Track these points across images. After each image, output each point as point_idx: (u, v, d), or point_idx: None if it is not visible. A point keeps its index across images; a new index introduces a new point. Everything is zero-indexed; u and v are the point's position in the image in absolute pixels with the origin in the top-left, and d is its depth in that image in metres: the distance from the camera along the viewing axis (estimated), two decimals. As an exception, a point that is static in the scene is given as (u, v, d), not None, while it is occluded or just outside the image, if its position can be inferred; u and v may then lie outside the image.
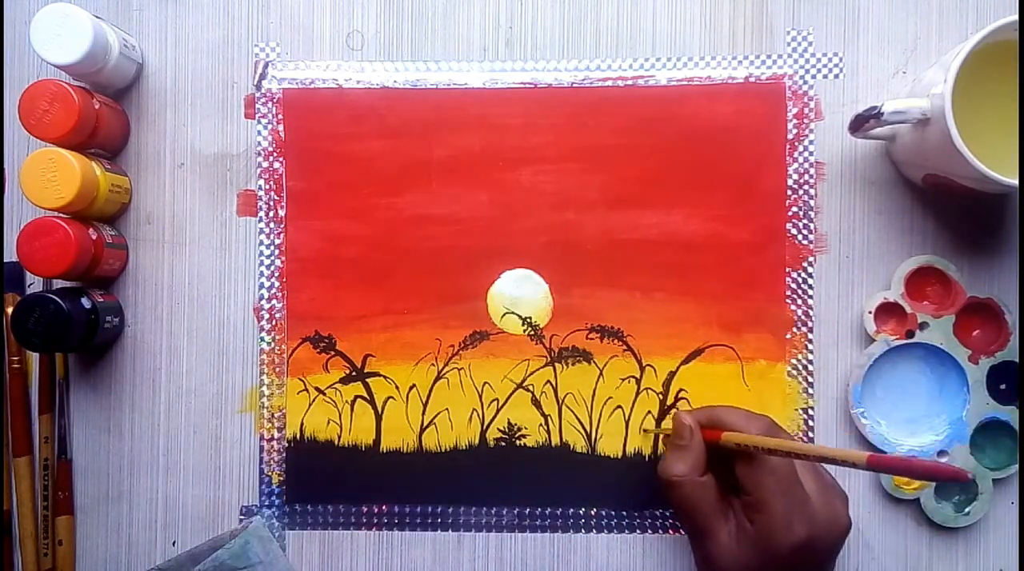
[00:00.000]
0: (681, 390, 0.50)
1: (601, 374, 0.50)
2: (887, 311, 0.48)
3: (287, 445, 0.50)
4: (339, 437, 0.50)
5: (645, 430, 0.50)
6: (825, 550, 0.42)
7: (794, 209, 0.50)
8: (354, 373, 0.50)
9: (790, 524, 0.41)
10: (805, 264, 0.49)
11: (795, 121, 0.50)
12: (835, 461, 0.37)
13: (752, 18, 0.50)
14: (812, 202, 0.50)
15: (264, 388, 0.50)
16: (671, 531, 0.50)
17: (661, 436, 0.49)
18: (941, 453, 0.48)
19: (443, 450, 0.50)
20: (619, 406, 0.50)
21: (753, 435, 0.42)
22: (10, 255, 0.49)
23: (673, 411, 0.49)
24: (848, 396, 0.48)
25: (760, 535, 0.41)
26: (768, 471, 0.41)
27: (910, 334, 0.48)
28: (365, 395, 0.50)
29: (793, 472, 0.42)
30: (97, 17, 0.47)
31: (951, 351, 0.48)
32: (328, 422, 0.50)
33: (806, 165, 0.50)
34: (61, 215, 0.46)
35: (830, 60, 0.50)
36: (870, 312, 0.48)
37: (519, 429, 0.50)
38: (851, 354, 0.49)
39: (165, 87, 0.51)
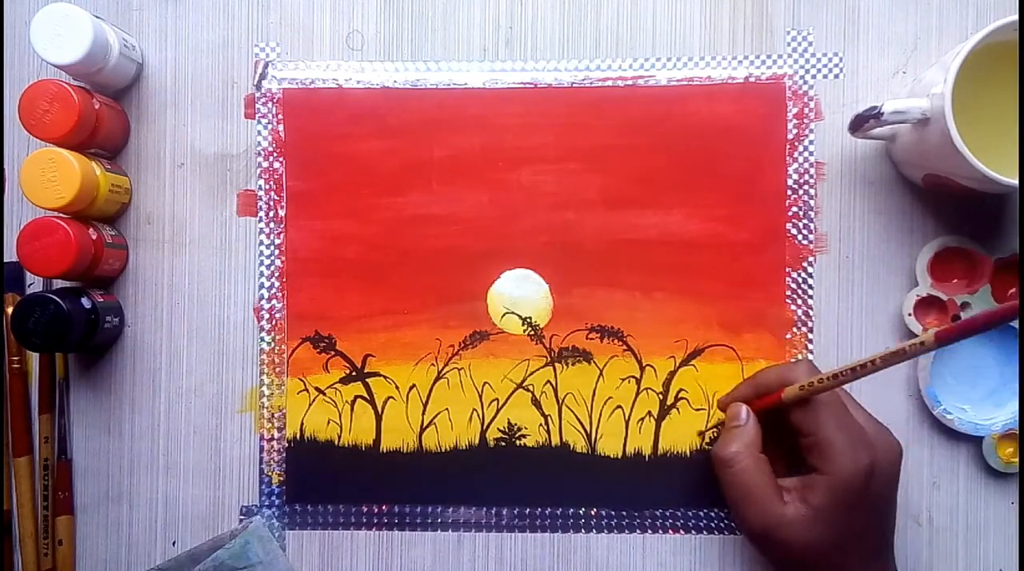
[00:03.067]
0: (681, 390, 0.50)
1: (601, 374, 0.50)
2: (925, 306, 0.48)
3: (287, 445, 0.50)
4: (339, 437, 0.50)
5: (702, 433, 0.50)
6: (889, 476, 0.43)
7: (794, 209, 0.50)
8: (354, 373, 0.50)
9: (855, 453, 0.41)
10: (805, 264, 0.49)
11: (795, 121, 0.50)
12: (905, 355, 0.38)
13: (752, 18, 0.50)
14: (812, 202, 0.50)
15: (264, 388, 0.50)
16: (671, 531, 0.50)
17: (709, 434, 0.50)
18: None
19: (443, 450, 0.50)
20: (619, 406, 0.50)
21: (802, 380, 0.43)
22: (10, 255, 0.49)
23: (716, 400, 0.49)
24: (925, 400, 0.48)
25: (830, 476, 0.42)
26: (822, 409, 0.42)
27: (956, 319, 0.48)
28: (365, 395, 0.50)
29: (844, 405, 0.43)
30: (97, 17, 0.47)
31: None
32: (328, 422, 0.50)
33: (806, 165, 0.50)
34: (61, 215, 0.46)
35: (830, 60, 0.50)
36: (910, 313, 0.48)
37: (519, 429, 0.50)
38: (851, 354, 0.49)
39: (165, 87, 0.51)
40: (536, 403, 0.50)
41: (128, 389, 0.51)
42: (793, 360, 0.47)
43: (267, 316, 0.50)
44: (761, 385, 0.46)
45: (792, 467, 0.45)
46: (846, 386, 0.44)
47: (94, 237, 0.47)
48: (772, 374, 0.46)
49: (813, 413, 0.43)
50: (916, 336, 0.47)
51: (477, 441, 0.50)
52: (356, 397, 0.50)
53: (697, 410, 0.50)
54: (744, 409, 0.46)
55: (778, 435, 0.45)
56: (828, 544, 0.42)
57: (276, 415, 0.50)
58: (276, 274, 0.50)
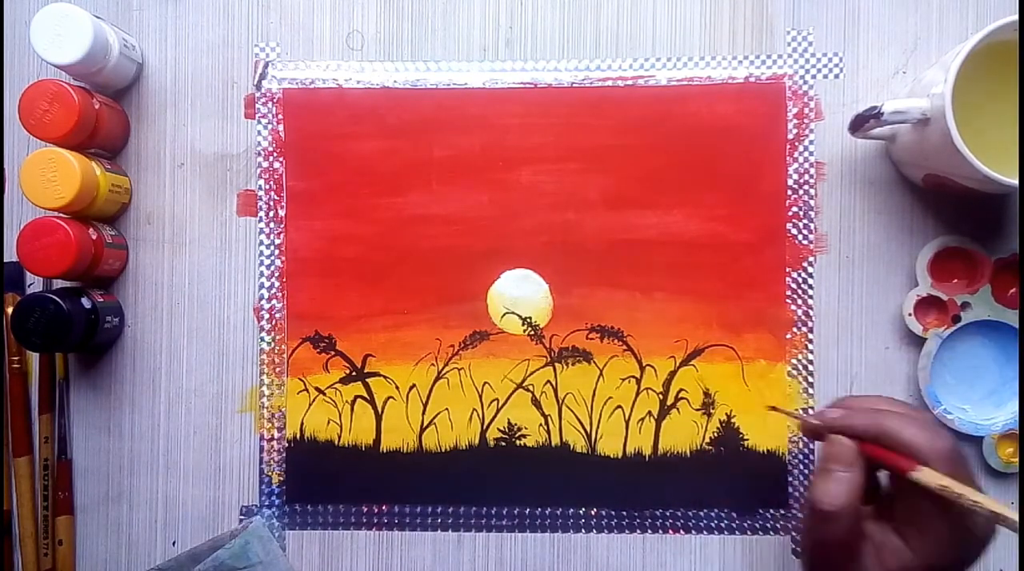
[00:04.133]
0: (681, 390, 0.50)
1: (601, 374, 0.50)
2: (925, 306, 0.48)
3: (287, 445, 0.50)
4: (339, 437, 0.50)
5: (773, 408, 0.47)
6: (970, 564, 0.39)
7: (794, 209, 0.49)
8: (354, 373, 0.50)
9: (954, 550, 0.38)
10: (805, 264, 0.49)
11: (795, 121, 0.50)
12: None
13: (752, 18, 0.50)
14: (812, 202, 0.50)
15: (264, 388, 0.50)
16: (671, 531, 0.50)
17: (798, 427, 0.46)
18: None
19: (443, 450, 0.50)
20: (619, 406, 0.50)
21: (944, 473, 0.37)
22: (10, 255, 0.49)
23: (819, 425, 0.41)
24: (925, 400, 0.48)
25: (917, 557, 0.38)
26: (967, 529, 0.38)
27: (956, 319, 0.48)
28: (365, 395, 0.50)
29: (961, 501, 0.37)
30: (97, 17, 0.47)
31: (1000, 317, 0.48)
32: (328, 422, 0.50)
33: (806, 165, 0.50)
34: (61, 215, 0.46)
35: (830, 60, 0.50)
36: (910, 313, 0.48)
37: (519, 429, 0.50)
38: (851, 354, 0.49)
39: (165, 87, 0.51)
40: (536, 403, 0.50)
41: (128, 389, 0.51)
42: (938, 427, 0.40)
43: (267, 316, 0.50)
44: (883, 432, 0.39)
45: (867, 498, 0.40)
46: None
47: (94, 237, 0.47)
48: (906, 427, 0.38)
49: (956, 528, 0.37)
50: (925, 342, 0.47)
51: (477, 441, 0.50)
52: (356, 397, 0.50)
53: (697, 410, 0.50)
54: (855, 453, 0.39)
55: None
56: None
57: (276, 415, 0.50)
58: (276, 274, 0.50)
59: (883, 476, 0.42)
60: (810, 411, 0.49)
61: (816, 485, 0.39)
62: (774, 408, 0.47)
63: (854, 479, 0.38)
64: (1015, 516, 0.35)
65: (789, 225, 0.50)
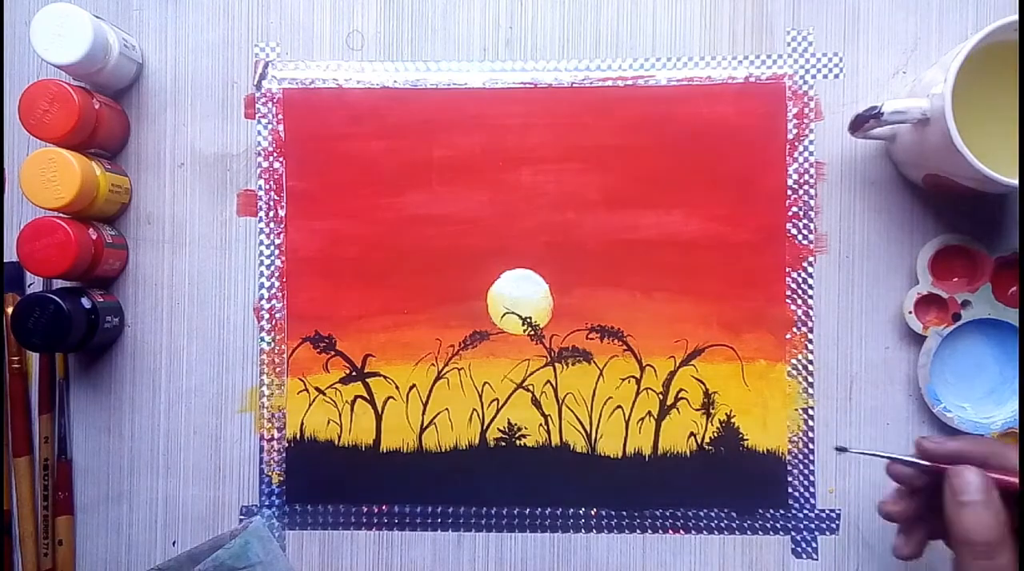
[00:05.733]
0: (681, 390, 0.50)
1: (601, 374, 0.50)
2: (925, 304, 0.48)
3: (287, 445, 0.50)
4: (339, 437, 0.50)
5: (840, 449, 0.47)
6: None
7: (794, 209, 0.49)
8: (354, 373, 0.50)
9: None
10: (805, 264, 0.49)
11: (795, 121, 0.50)
12: None
13: (752, 18, 0.50)
14: (812, 202, 0.50)
15: (264, 388, 0.50)
16: (671, 531, 0.50)
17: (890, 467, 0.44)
18: None
19: (443, 450, 0.50)
20: (619, 406, 0.50)
21: None
22: (10, 255, 0.49)
23: (933, 454, 0.41)
24: (924, 397, 0.48)
25: None
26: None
27: (956, 317, 0.48)
28: (365, 395, 0.50)
29: None
30: (97, 17, 0.47)
31: (1000, 316, 0.48)
32: (328, 422, 0.50)
33: (806, 165, 0.50)
34: (61, 215, 0.46)
35: (830, 60, 0.50)
36: (910, 311, 0.48)
37: (519, 429, 0.50)
38: (851, 353, 0.49)
39: (165, 87, 0.51)
40: (536, 403, 0.50)
41: (128, 389, 0.51)
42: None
43: (267, 316, 0.50)
44: (991, 455, 0.39)
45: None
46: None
47: (94, 237, 0.47)
48: (1003, 450, 0.39)
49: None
50: (925, 340, 0.46)
51: (477, 441, 0.50)
52: (356, 397, 0.50)
53: (697, 410, 0.50)
54: (985, 482, 0.38)
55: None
56: None
57: (276, 415, 0.50)
58: (276, 274, 0.50)
59: None
60: (810, 411, 0.49)
61: (961, 522, 0.38)
62: (842, 449, 0.47)
63: (1002, 510, 0.37)
64: None
65: (789, 225, 0.50)
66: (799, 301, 0.49)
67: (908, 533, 0.43)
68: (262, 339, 0.50)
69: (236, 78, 0.51)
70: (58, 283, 0.50)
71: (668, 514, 0.50)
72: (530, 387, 0.50)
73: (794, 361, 0.49)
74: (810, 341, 0.49)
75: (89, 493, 0.50)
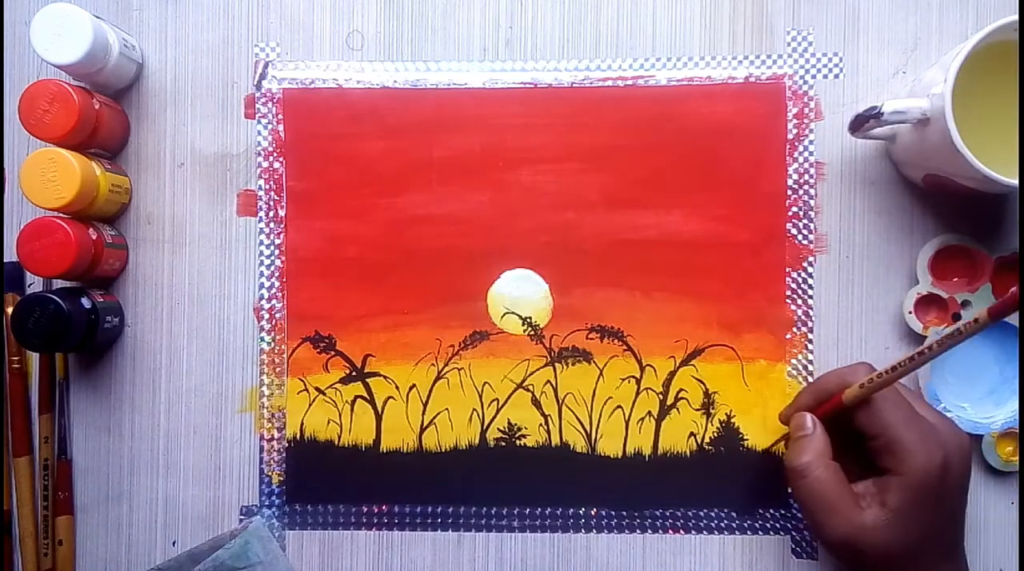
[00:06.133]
0: (681, 390, 0.50)
1: (601, 374, 0.50)
2: (925, 304, 0.48)
3: (287, 445, 0.50)
4: (339, 437, 0.50)
5: (774, 451, 0.49)
6: (962, 471, 0.42)
7: (794, 209, 0.50)
8: (354, 373, 0.50)
9: (928, 449, 0.41)
10: (805, 264, 0.49)
11: (795, 121, 0.50)
12: (961, 336, 0.37)
13: (752, 18, 0.50)
14: (812, 202, 0.50)
15: (264, 388, 0.50)
16: (671, 531, 0.50)
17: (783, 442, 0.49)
18: None
19: (443, 450, 0.50)
20: (619, 406, 0.50)
21: (862, 381, 0.42)
22: (10, 255, 0.49)
23: (782, 413, 0.48)
24: (924, 397, 0.48)
25: (904, 475, 0.41)
26: (888, 407, 0.42)
27: (956, 317, 0.48)
28: (365, 395, 0.50)
29: (909, 402, 0.42)
30: (97, 17, 0.47)
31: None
32: (328, 422, 0.50)
33: (806, 165, 0.50)
34: (61, 215, 0.46)
35: (830, 60, 0.50)
36: (910, 311, 0.48)
37: (519, 429, 0.50)
38: (851, 354, 0.49)
39: (165, 87, 0.51)
40: (536, 403, 0.50)
41: (128, 389, 0.51)
42: (851, 364, 0.45)
43: (267, 316, 0.50)
44: (821, 391, 0.45)
45: (864, 471, 0.43)
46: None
47: (94, 237, 0.47)
48: (831, 378, 0.45)
49: (879, 413, 0.42)
50: (924, 340, 0.47)
51: (477, 441, 0.50)
52: (356, 397, 0.50)
53: (697, 410, 0.50)
54: (809, 418, 0.44)
55: (846, 441, 0.44)
56: (906, 546, 0.41)
57: (276, 415, 0.50)
58: (276, 274, 0.50)
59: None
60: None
61: (789, 451, 0.45)
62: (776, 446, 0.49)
63: (814, 440, 0.44)
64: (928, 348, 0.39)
65: (789, 225, 0.50)
66: (799, 301, 0.49)
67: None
68: (262, 339, 0.50)
69: (236, 78, 0.51)
70: (58, 283, 0.50)
71: (668, 514, 0.50)
72: (530, 387, 0.50)
73: (794, 361, 0.49)
74: (810, 341, 0.49)
75: (89, 493, 0.50)
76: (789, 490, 0.49)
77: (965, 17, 0.49)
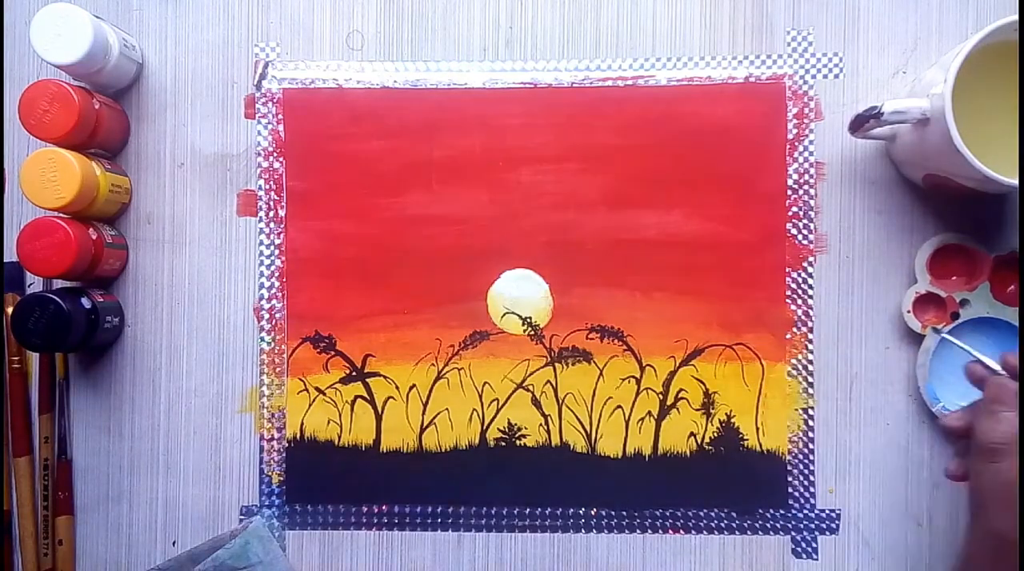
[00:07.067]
0: (681, 390, 0.50)
1: (601, 374, 0.50)
2: (924, 303, 0.48)
3: (287, 445, 0.50)
4: (339, 437, 0.50)
5: (935, 329, 0.47)
6: None
7: (794, 209, 0.50)
8: (354, 373, 0.50)
9: None
10: (805, 264, 0.49)
11: (795, 121, 0.50)
12: None
13: (752, 18, 0.50)
14: (812, 202, 0.50)
15: (264, 388, 0.50)
16: (671, 531, 0.50)
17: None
18: None
19: (443, 450, 0.50)
20: (619, 406, 0.50)
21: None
22: (10, 255, 0.49)
23: (989, 379, 0.43)
24: (924, 397, 0.48)
25: None
26: None
27: (955, 316, 0.48)
28: (365, 395, 0.50)
29: None
30: (97, 17, 0.47)
31: (998, 314, 0.48)
32: (328, 422, 0.50)
33: (806, 165, 0.50)
34: (61, 215, 0.46)
35: (830, 60, 0.50)
36: (908, 310, 0.48)
37: (519, 429, 0.50)
38: (851, 353, 0.49)
39: (165, 87, 0.51)
40: (536, 403, 0.50)
41: (128, 389, 0.51)
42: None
43: (267, 316, 0.50)
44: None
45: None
46: None
47: (94, 237, 0.47)
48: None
49: None
50: (923, 339, 0.46)
51: (477, 441, 0.50)
52: (356, 397, 0.50)
53: (697, 410, 0.50)
54: (1016, 390, 0.39)
55: None
56: None
57: (276, 415, 0.50)
58: (276, 274, 0.50)
59: None
60: (810, 411, 0.49)
61: (982, 424, 0.40)
62: (936, 329, 0.47)
63: (1015, 418, 0.39)
64: None
65: (789, 225, 0.50)
66: (799, 301, 0.49)
67: (964, 456, 0.43)
68: (262, 339, 0.50)
69: (236, 78, 0.51)
70: (58, 283, 0.50)
71: (668, 514, 0.50)
72: (530, 387, 0.50)
73: (794, 361, 0.49)
74: (810, 341, 0.49)
75: (89, 493, 0.50)
76: (949, 468, 0.44)
77: (965, 17, 0.49)
